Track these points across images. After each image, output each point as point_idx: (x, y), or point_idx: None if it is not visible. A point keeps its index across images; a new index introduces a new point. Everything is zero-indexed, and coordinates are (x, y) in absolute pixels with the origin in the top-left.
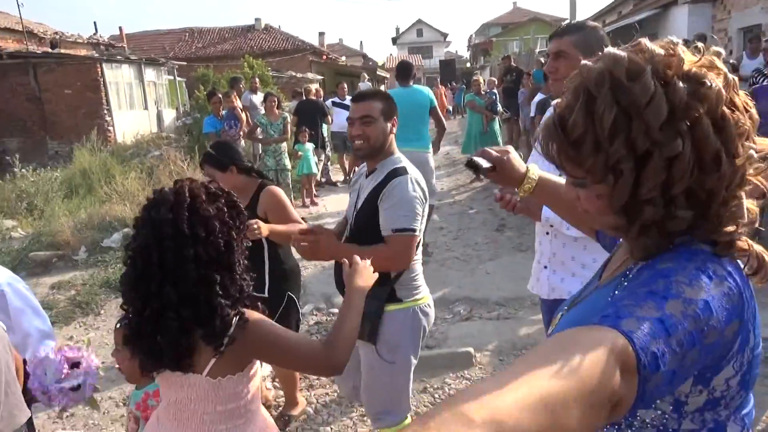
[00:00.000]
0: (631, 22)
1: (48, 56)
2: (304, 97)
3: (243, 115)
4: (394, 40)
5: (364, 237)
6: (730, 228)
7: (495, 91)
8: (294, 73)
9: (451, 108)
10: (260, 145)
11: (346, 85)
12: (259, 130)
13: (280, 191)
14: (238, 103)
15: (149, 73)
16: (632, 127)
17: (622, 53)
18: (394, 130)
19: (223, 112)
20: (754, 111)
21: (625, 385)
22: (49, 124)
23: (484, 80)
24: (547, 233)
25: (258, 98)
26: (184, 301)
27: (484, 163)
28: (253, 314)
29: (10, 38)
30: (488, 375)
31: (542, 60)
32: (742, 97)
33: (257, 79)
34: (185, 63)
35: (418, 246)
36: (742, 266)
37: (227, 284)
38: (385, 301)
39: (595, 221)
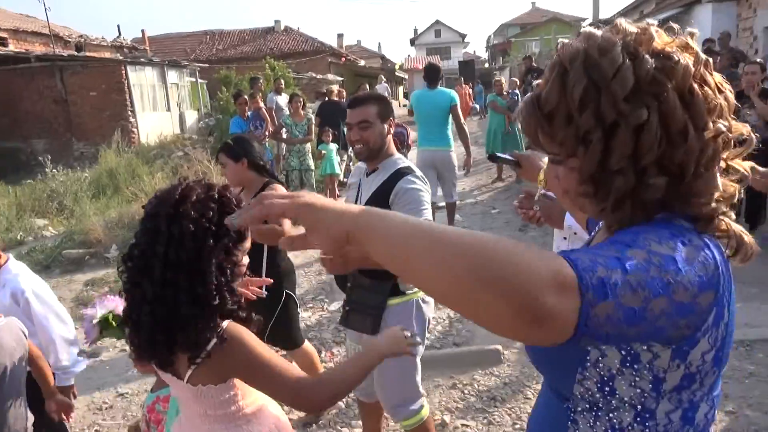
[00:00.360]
0: (654, 21)
1: (74, 59)
2: (327, 98)
3: (268, 116)
4: (412, 41)
5: None
6: (707, 204)
7: (517, 91)
8: (314, 75)
9: (478, 107)
10: (284, 145)
11: (367, 86)
12: (284, 130)
13: (282, 189)
14: (263, 105)
15: (172, 75)
16: (601, 99)
17: (597, 31)
18: (392, 131)
19: (249, 113)
20: (729, 93)
21: (563, 301)
22: (75, 126)
23: (505, 81)
24: (565, 238)
25: (282, 99)
26: (155, 299)
27: (508, 157)
28: (236, 332)
29: (37, 42)
30: (516, 371)
31: None
32: (716, 78)
33: (282, 81)
34: (207, 65)
35: None
36: (722, 246)
37: (198, 292)
38: (388, 296)
39: (575, 202)
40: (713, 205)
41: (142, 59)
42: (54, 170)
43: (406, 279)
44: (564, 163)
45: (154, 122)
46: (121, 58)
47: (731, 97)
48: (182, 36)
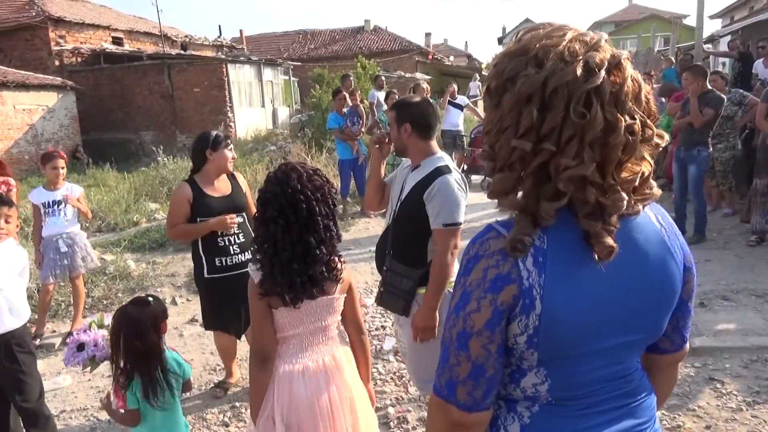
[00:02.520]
0: (765, 18)
1: (181, 57)
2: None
3: (364, 112)
4: (500, 40)
5: (405, 223)
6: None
7: None
8: (403, 73)
9: None
10: None
11: (456, 85)
12: (380, 126)
13: None
14: (358, 101)
15: (267, 73)
16: (490, 78)
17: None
18: (405, 135)
19: (345, 110)
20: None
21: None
22: (179, 119)
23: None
24: None
25: (383, 95)
26: (319, 244)
27: None
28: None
29: (148, 41)
30: None
31: (672, 58)
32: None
33: (383, 78)
34: (299, 63)
35: None
36: (543, 243)
37: (337, 231)
38: (417, 282)
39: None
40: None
41: (242, 58)
42: (164, 159)
43: None
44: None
45: (249, 117)
46: (222, 56)
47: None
48: (276, 35)
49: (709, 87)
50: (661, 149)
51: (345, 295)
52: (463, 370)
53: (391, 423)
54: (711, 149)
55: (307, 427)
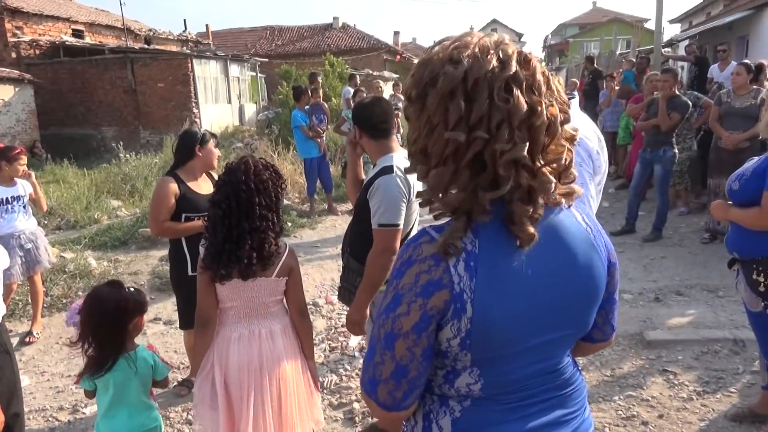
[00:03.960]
0: (722, 23)
1: (145, 52)
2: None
3: (328, 109)
4: None
5: (358, 221)
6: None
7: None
8: (371, 71)
9: None
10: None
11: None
12: (346, 123)
13: None
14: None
15: (234, 69)
16: (408, 90)
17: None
18: (360, 137)
19: (306, 107)
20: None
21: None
22: (142, 115)
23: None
24: None
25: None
26: (252, 231)
27: None
28: (290, 247)
29: (110, 35)
30: None
31: (633, 60)
32: (519, 91)
33: (357, 76)
34: (266, 59)
35: (409, 234)
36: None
37: (275, 222)
38: None
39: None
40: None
41: (207, 53)
42: (126, 156)
43: None
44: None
45: (215, 114)
46: (187, 51)
47: (540, 112)
48: (244, 31)
49: (677, 92)
50: (620, 149)
51: (286, 278)
52: (386, 369)
53: (356, 418)
54: (676, 149)
55: (237, 384)
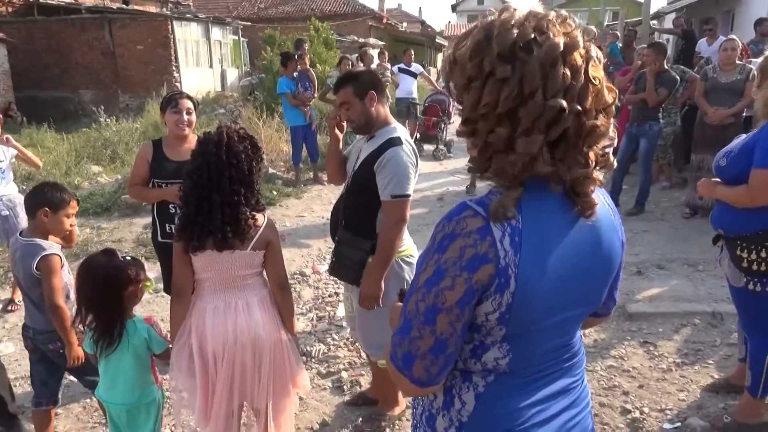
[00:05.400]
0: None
1: (123, 12)
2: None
3: (315, 77)
4: (454, 8)
5: (357, 194)
6: (521, 159)
7: None
8: (356, 38)
9: None
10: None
11: (413, 52)
12: (331, 91)
13: None
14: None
15: (215, 32)
16: (485, 53)
17: (512, 7)
18: (374, 104)
19: (295, 74)
20: (602, 86)
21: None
22: (121, 78)
23: None
24: None
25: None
26: (223, 204)
27: None
28: (271, 220)
29: None
30: None
31: (618, 33)
32: (596, 73)
33: (350, 62)
34: (249, 23)
35: None
36: (517, 231)
37: (248, 196)
38: (369, 252)
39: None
40: (540, 165)
41: (188, 15)
42: (107, 120)
43: None
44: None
45: (197, 78)
46: (167, 12)
47: (606, 93)
48: None
49: (666, 66)
50: None
51: (263, 252)
52: (425, 344)
53: (345, 386)
54: (662, 123)
55: (212, 354)
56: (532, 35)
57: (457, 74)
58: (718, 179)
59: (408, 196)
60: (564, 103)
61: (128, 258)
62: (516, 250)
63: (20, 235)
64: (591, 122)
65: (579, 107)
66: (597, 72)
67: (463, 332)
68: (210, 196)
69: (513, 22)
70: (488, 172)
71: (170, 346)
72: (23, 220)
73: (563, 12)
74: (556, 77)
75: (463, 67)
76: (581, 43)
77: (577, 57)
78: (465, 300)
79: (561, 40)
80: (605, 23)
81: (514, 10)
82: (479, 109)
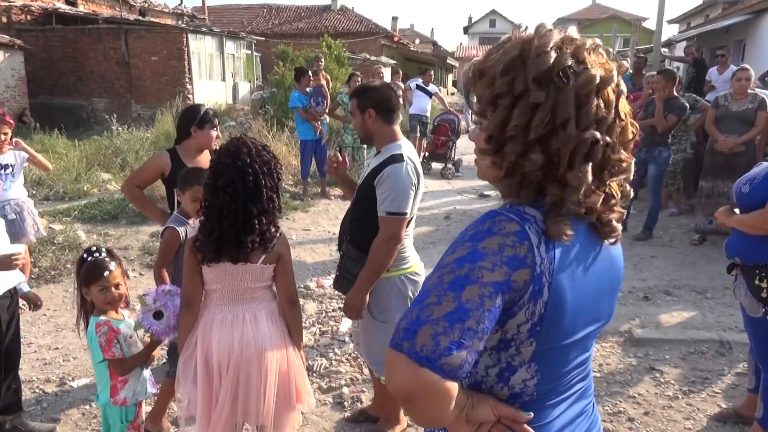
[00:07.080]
0: (720, 26)
1: (139, 23)
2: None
3: (328, 93)
4: (466, 29)
5: (360, 208)
6: (574, 193)
7: None
8: (368, 56)
9: None
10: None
11: (433, 72)
12: (340, 107)
13: None
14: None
15: (229, 46)
16: (518, 72)
17: (549, 26)
18: (372, 121)
19: (308, 89)
20: (629, 125)
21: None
22: (135, 88)
23: None
24: None
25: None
26: (261, 213)
27: None
28: (284, 234)
29: (104, 4)
30: None
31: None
32: (624, 107)
33: (359, 78)
34: (263, 38)
35: (408, 224)
36: (556, 239)
37: (279, 203)
38: None
39: (481, 167)
40: (580, 196)
41: (203, 28)
42: (118, 129)
43: None
44: (480, 124)
45: (209, 91)
46: (182, 25)
47: (627, 123)
48: (240, 8)
49: (676, 93)
50: None
51: (273, 266)
52: (441, 309)
53: (346, 402)
54: (671, 150)
55: (217, 365)
56: (570, 62)
57: (483, 87)
58: (738, 205)
59: (404, 214)
60: (598, 135)
61: (103, 250)
62: (551, 258)
63: None
64: (616, 156)
65: (609, 139)
66: (625, 108)
67: (489, 318)
68: (246, 208)
69: (551, 45)
70: (543, 202)
71: (105, 359)
72: (29, 225)
73: (597, 41)
74: (590, 109)
75: (492, 82)
76: (615, 78)
77: (611, 91)
78: (501, 287)
79: (598, 73)
80: (616, 49)
81: (550, 31)
82: (508, 131)
